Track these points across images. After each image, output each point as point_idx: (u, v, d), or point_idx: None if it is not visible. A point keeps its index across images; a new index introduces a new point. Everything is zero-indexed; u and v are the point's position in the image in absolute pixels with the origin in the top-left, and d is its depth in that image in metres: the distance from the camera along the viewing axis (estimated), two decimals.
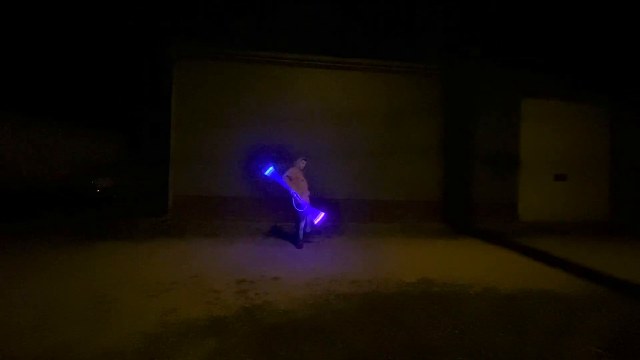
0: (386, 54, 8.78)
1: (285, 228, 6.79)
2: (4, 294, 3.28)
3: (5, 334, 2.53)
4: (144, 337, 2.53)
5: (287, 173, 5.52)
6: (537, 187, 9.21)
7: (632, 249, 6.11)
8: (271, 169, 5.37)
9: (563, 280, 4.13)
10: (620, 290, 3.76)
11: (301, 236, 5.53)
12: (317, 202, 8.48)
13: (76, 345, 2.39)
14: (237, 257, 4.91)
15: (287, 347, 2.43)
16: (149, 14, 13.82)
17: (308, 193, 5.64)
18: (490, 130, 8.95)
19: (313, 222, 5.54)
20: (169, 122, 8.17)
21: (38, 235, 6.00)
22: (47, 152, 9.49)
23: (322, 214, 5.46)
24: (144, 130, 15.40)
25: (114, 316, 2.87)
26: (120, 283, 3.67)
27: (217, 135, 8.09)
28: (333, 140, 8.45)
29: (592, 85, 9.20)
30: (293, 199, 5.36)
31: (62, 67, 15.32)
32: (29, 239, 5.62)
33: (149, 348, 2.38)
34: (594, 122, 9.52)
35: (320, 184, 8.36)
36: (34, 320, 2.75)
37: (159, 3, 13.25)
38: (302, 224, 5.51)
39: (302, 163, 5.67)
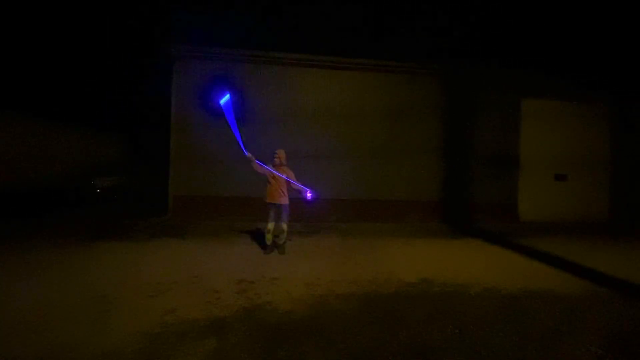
0: (386, 54, 8.78)
1: (290, 227, 6.77)
2: (4, 294, 3.28)
3: (5, 334, 2.53)
4: (144, 337, 2.53)
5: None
6: (537, 187, 9.21)
7: (631, 249, 6.10)
8: (227, 97, 4.78)
9: (563, 280, 4.13)
10: (620, 290, 3.75)
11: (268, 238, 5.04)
12: (317, 202, 8.46)
13: (76, 345, 2.39)
14: (237, 257, 4.91)
15: (287, 347, 2.43)
16: (149, 14, 13.84)
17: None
18: (490, 130, 8.94)
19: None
20: (169, 122, 8.17)
21: (38, 235, 6.01)
22: (48, 152, 9.48)
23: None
24: (144, 130, 15.39)
25: (114, 316, 2.87)
26: (120, 283, 3.67)
27: (216, 135, 8.09)
28: (333, 140, 8.45)
29: (591, 85, 9.19)
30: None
31: (63, 67, 15.34)
32: (29, 239, 5.62)
33: (149, 348, 2.38)
34: (594, 122, 9.51)
35: (320, 183, 8.37)
36: (34, 320, 2.75)
37: (159, 3, 13.27)
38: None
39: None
